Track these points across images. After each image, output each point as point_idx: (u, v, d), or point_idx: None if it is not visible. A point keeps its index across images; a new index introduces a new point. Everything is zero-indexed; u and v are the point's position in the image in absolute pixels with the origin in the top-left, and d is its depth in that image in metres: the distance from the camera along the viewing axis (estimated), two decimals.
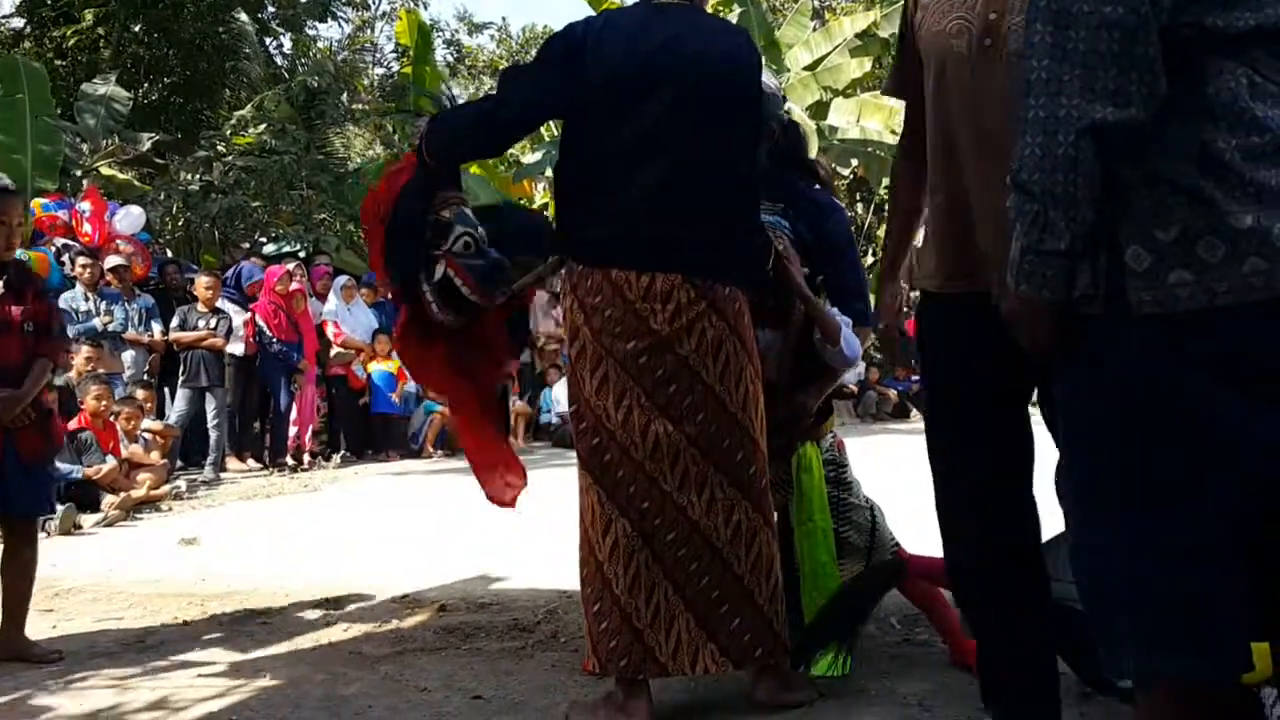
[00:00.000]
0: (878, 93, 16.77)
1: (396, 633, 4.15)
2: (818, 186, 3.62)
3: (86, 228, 11.35)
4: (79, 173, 14.74)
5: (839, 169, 17.73)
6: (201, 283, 10.63)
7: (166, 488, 8.40)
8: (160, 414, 9.95)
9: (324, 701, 3.30)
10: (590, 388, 2.95)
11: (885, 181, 2.82)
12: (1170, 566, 1.62)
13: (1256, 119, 1.57)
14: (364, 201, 3.42)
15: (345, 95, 18.00)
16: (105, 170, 15.13)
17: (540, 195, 18.43)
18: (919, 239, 2.76)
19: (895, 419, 16.50)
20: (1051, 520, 2.55)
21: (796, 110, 16.11)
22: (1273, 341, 1.57)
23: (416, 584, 4.95)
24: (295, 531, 6.78)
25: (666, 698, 3.13)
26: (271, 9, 21.54)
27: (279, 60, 22.38)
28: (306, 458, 10.68)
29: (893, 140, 14.80)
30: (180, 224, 15.90)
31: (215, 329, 10.24)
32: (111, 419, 8.34)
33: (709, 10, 3.19)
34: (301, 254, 13.27)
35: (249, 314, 10.66)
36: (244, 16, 18.86)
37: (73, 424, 8.03)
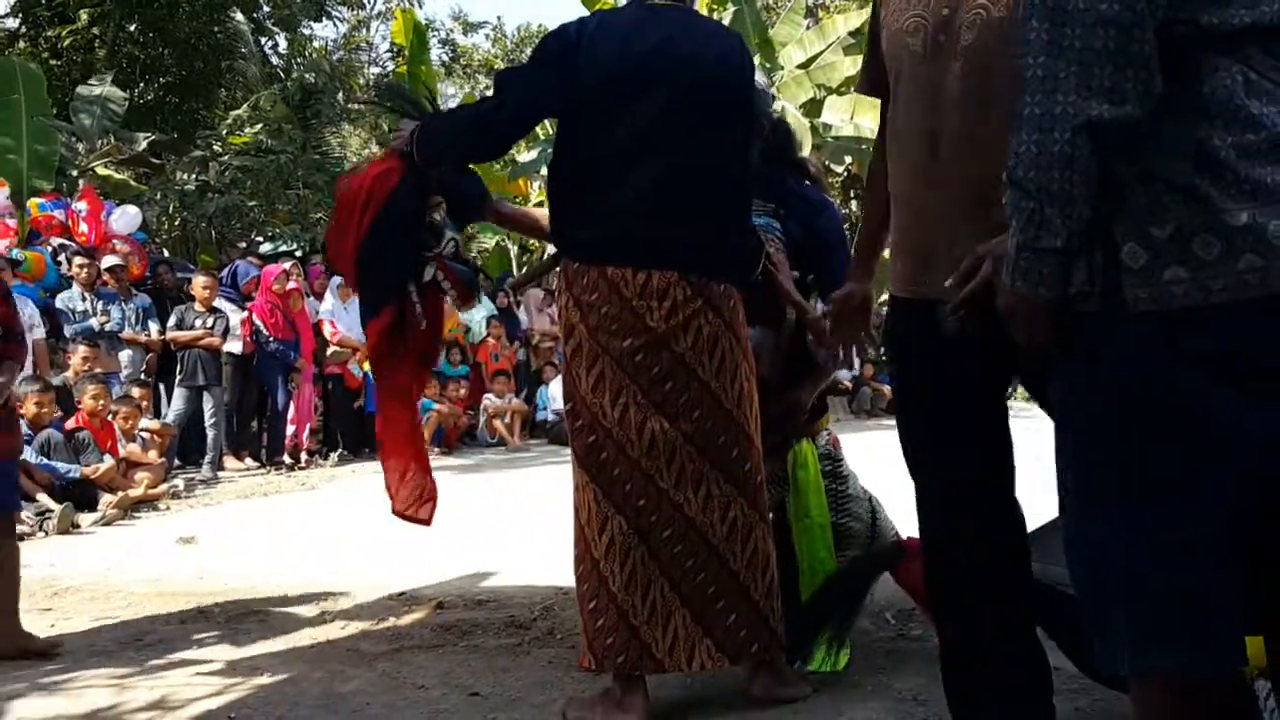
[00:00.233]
0: None
1: (394, 630, 4.16)
2: (808, 183, 3.63)
3: (83, 228, 11.35)
4: (75, 173, 14.74)
5: (833, 166, 17.74)
6: (199, 282, 10.63)
7: (164, 487, 8.41)
8: (157, 413, 9.95)
9: (322, 699, 3.31)
10: (586, 385, 2.96)
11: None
12: (1166, 561, 1.63)
13: (1252, 116, 1.58)
14: (342, 195, 3.35)
15: (341, 94, 17.96)
16: (101, 170, 15.13)
17: (535, 194, 18.42)
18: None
19: (890, 415, 16.44)
20: (1045, 513, 2.57)
21: (790, 108, 16.12)
22: (1268, 338, 1.58)
23: (413, 581, 4.96)
24: (293, 530, 6.78)
25: (663, 694, 3.14)
26: (267, 8, 21.54)
27: (274, 60, 22.37)
28: (304, 456, 10.68)
29: None
30: (177, 224, 15.91)
31: (212, 328, 10.24)
32: (109, 418, 8.34)
33: (702, 11, 3.20)
34: (298, 253, 13.26)
35: (246, 313, 10.66)
36: (239, 16, 18.85)
37: (70, 423, 8.05)
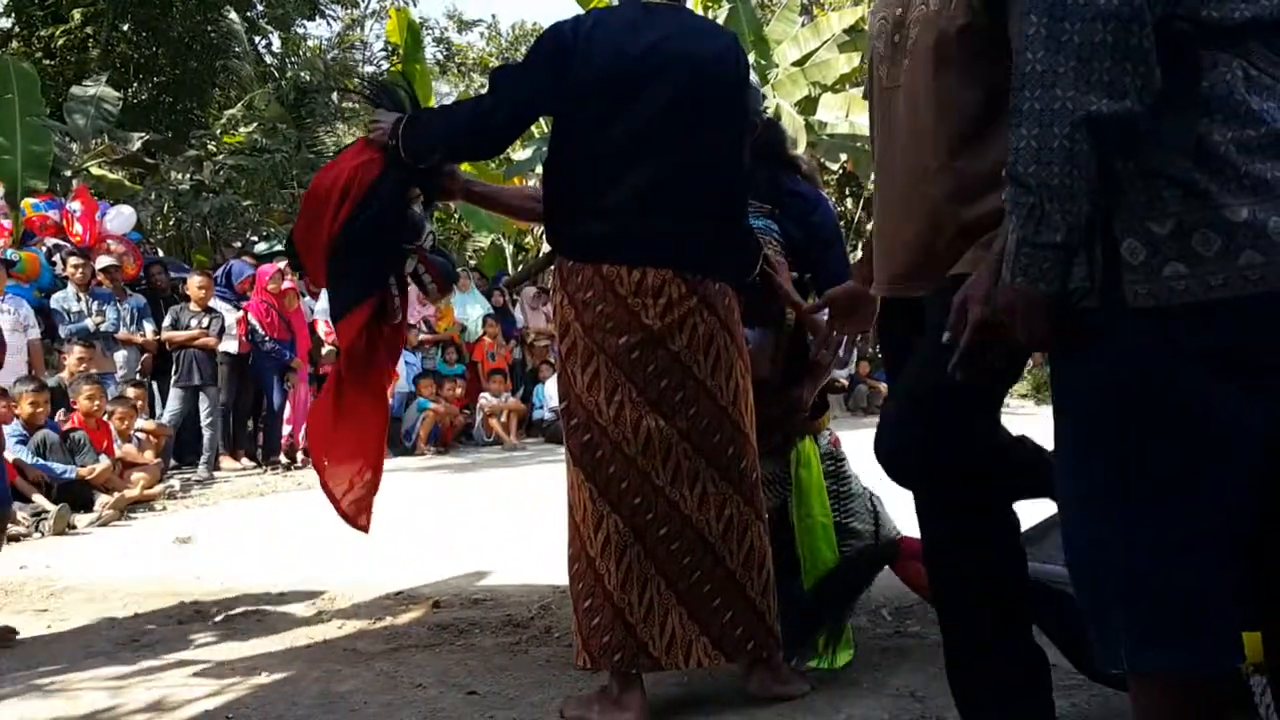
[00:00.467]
0: None
1: (391, 629, 4.15)
2: (800, 178, 3.64)
3: (77, 228, 11.35)
4: (69, 173, 14.72)
5: (828, 164, 17.74)
6: (194, 282, 10.63)
7: (160, 487, 8.40)
8: (152, 413, 9.94)
9: (319, 698, 3.31)
10: (581, 383, 2.96)
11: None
12: (1165, 559, 1.63)
13: (1252, 112, 1.58)
14: (315, 187, 3.29)
15: (335, 94, 17.94)
16: (95, 170, 15.11)
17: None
18: None
19: None
20: (1042, 507, 2.57)
21: (785, 106, 16.12)
22: (1268, 335, 1.58)
23: (410, 581, 4.96)
24: (289, 530, 6.78)
25: (660, 691, 3.14)
26: (260, 7, 21.52)
27: (268, 59, 22.34)
28: (300, 456, 10.67)
29: None
30: (171, 224, 15.89)
31: (208, 328, 10.23)
32: (105, 419, 8.33)
33: (696, 8, 3.20)
34: None
35: (241, 312, 10.65)
36: (233, 15, 18.82)
37: (65, 424, 8.04)
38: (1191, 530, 1.62)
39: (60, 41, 18.19)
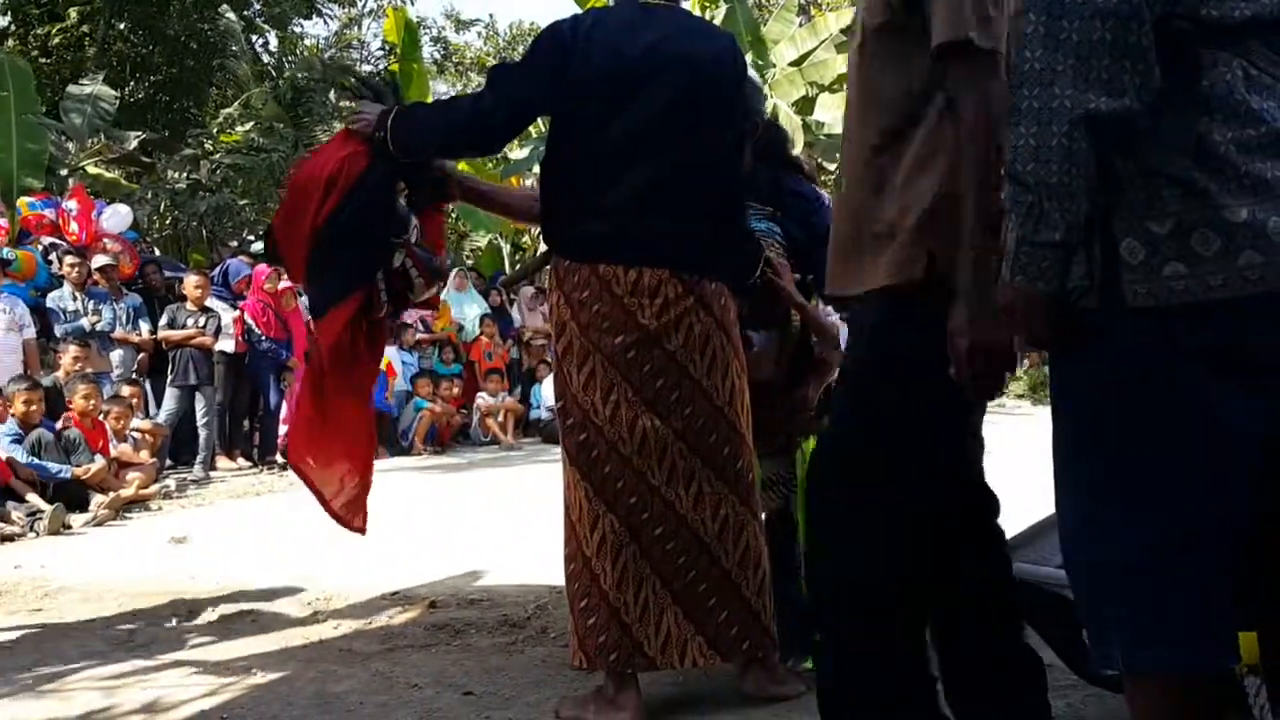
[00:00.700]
0: None
1: (387, 630, 4.15)
2: (801, 178, 3.64)
3: (73, 227, 11.33)
4: (65, 172, 14.71)
5: (825, 164, 17.74)
6: (190, 281, 10.61)
7: (156, 487, 8.38)
8: (146, 412, 9.93)
9: (315, 699, 3.30)
10: (578, 383, 2.96)
11: None
12: (1163, 558, 1.63)
13: (1252, 111, 1.57)
14: (297, 179, 3.29)
15: (332, 92, 17.93)
16: (92, 169, 15.10)
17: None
18: None
19: None
20: (1037, 507, 2.57)
21: (783, 106, 16.12)
22: (1267, 335, 1.58)
23: (406, 581, 4.95)
24: (285, 529, 6.77)
25: (655, 691, 3.14)
26: (257, 6, 21.51)
27: (265, 58, 22.34)
28: None
29: None
30: (168, 223, 15.88)
31: (204, 327, 10.21)
32: (100, 418, 8.32)
33: (694, 8, 3.20)
34: None
35: (238, 312, 10.64)
36: (230, 14, 18.81)
37: (60, 423, 8.03)
38: (1190, 530, 1.62)
39: (56, 40, 18.19)
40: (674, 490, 2.92)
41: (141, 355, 10.38)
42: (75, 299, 9.85)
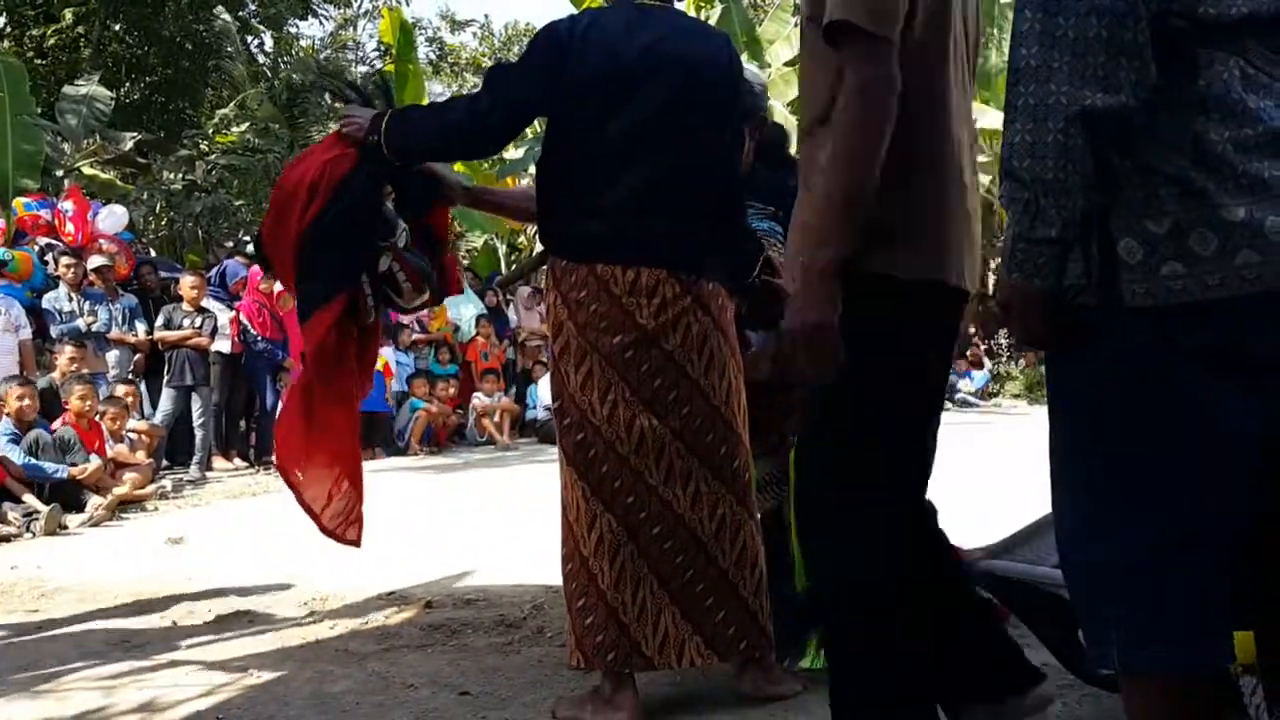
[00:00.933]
0: None
1: (383, 630, 4.15)
2: None
3: (69, 227, 11.31)
4: (61, 172, 14.70)
5: None
6: (187, 282, 10.59)
7: (152, 487, 8.37)
8: (142, 413, 9.92)
9: (311, 699, 3.30)
10: (575, 383, 2.96)
11: None
12: (1160, 558, 1.63)
13: (1249, 110, 1.57)
14: (283, 182, 3.26)
15: (327, 93, 17.93)
16: (87, 170, 15.11)
17: None
18: None
19: None
20: (1033, 507, 2.57)
21: (779, 106, 16.12)
22: (1265, 334, 1.58)
23: (403, 581, 4.95)
24: (281, 530, 6.75)
25: (653, 691, 3.14)
26: (253, 6, 21.51)
27: (261, 59, 22.33)
28: None
29: None
30: (164, 223, 15.89)
31: (200, 328, 10.21)
32: (96, 419, 8.31)
33: (689, 9, 3.20)
34: None
35: (234, 312, 10.64)
36: (225, 15, 18.81)
37: (56, 424, 8.03)
38: (1187, 529, 1.62)
39: (52, 41, 18.18)
40: (671, 490, 2.92)
41: (137, 356, 10.37)
42: (71, 300, 9.85)
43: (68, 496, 7.45)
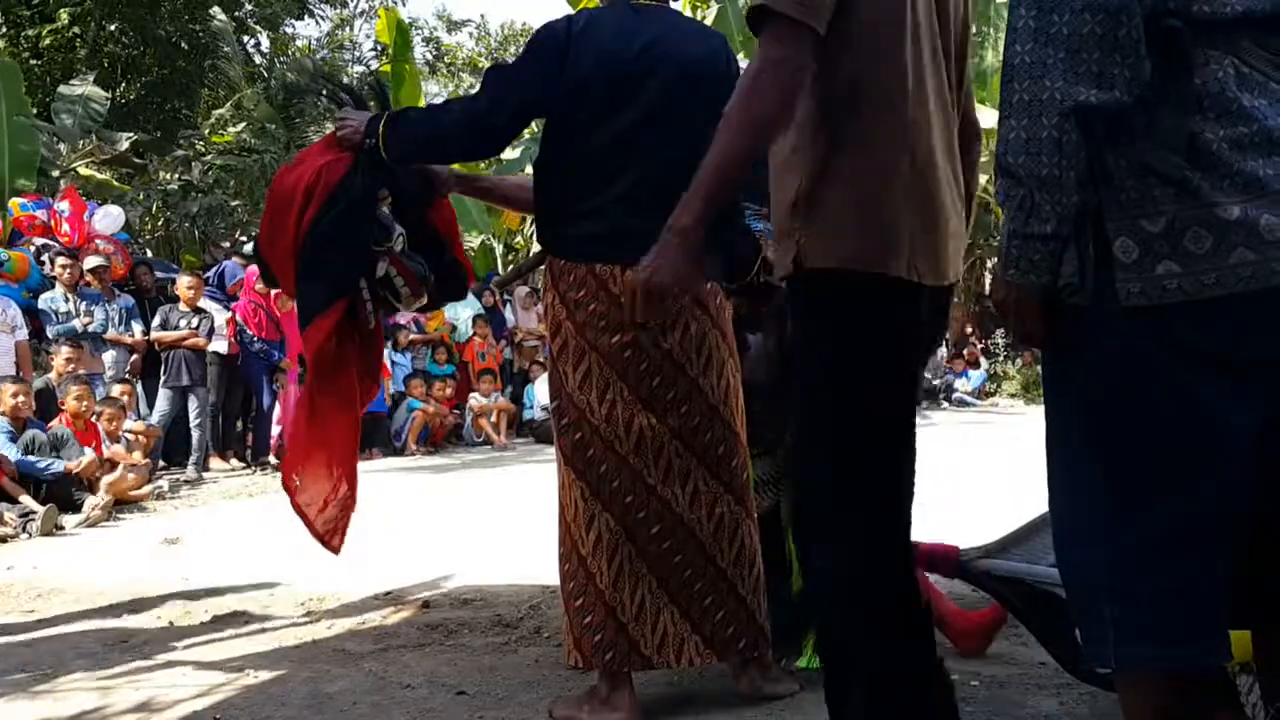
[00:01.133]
0: None
1: (380, 630, 4.15)
2: None
3: (65, 228, 11.31)
4: (57, 173, 14.69)
5: None
6: (183, 282, 10.60)
7: (149, 488, 8.37)
8: (139, 413, 9.91)
9: (308, 699, 3.30)
10: (573, 382, 2.96)
11: None
12: (1155, 555, 1.63)
13: (1244, 109, 1.58)
14: (277, 188, 3.24)
15: (322, 94, 17.92)
16: (83, 170, 15.09)
17: None
18: None
19: None
20: (1030, 506, 2.57)
21: None
22: (1260, 333, 1.58)
23: (400, 581, 4.95)
24: (278, 530, 6.74)
25: (650, 691, 3.14)
26: (249, 6, 21.48)
27: (257, 59, 22.32)
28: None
29: None
30: (160, 224, 15.87)
31: (197, 328, 10.21)
32: (93, 419, 8.31)
33: (685, 9, 3.20)
34: None
35: (231, 313, 10.64)
36: (221, 15, 18.79)
37: (53, 424, 8.02)
38: (1181, 527, 1.62)
39: (47, 41, 18.15)
40: (670, 489, 2.92)
41: (134, 357, 10.37)
42: (67, 300, 9.84)
43: (64, 497, 7.45)
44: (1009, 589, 2.89)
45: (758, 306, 3.29)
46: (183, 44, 19.51)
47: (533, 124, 3.14)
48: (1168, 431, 1.62)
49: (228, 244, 15.18)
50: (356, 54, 29.51)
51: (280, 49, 23.82)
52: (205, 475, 9.93)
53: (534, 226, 14.87)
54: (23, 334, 9.18)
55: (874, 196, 2.12)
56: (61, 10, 18.01)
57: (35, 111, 14.69)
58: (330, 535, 3.36)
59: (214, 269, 12.13)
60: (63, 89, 16.31)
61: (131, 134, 17.19)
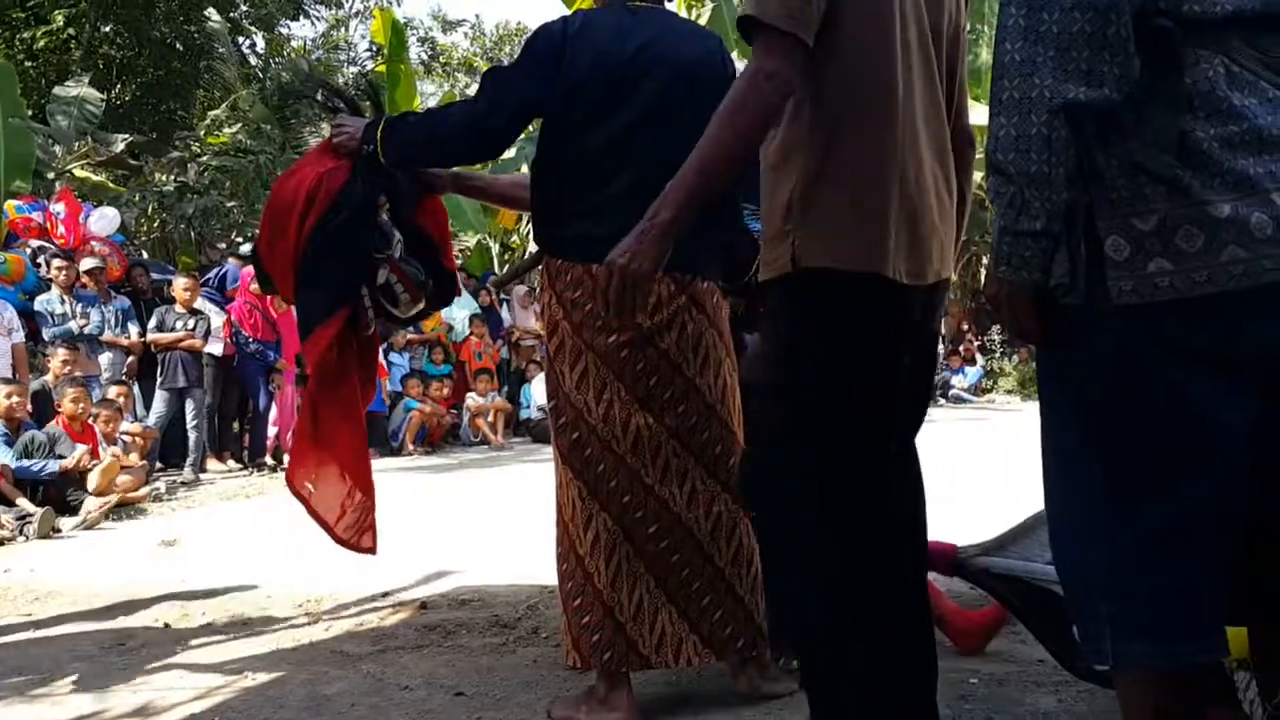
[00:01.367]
0: None
1: (378, 631, 4.15)
2: None
3: (61, 230, 11.30)
4: (52, 175, 14.67)
5: None
6: (179, 284, 10.58)
7: (146, 489, 8.36)
8: (135, 415, 9.90)
9: (306, 701, 3.30)
10: (570, 382, 2.95)
11: None
12: (1151, 553, 1.64)
13: (1234, 108, 1.58)
14: (276, 196, 3.23)
15: (319, 94, 17.90)
16: (79, 172, 15.07)
17: None
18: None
19: None
20: (1027, 504, 2.58)
21: None
22: (1251, 330, 1.59)
23: (397, 582, 4.95)
24: (275, 531, 6.76)
25: (648, 690, 3.14)
26: (244, 7, 21.47)
27: (252, 60, 22.30)
28: (286, 457, 10.64)
29: None
30: (155, 225, 15.85)
31: (193, 330, 10.20)
32: (89, 421, 8.30)
33: (680, 9, 3.20)
34: None
35: (227, 314, 10.63)
36: (216, 16, 18.77)
37: (49, 425, 8.02)
38: (1176, 524, 1.63)
39: (42, 43, 18.12)
40: (667, 489, 2.92)
41: (130, 358, 10.35)
42: (63, 302, 9.82)
43: (61, 500, 7.44)
44: (1006, 586, 2.90)
45: (755, 306, 3.29)
46: (178, 45, 19.49)
47: (531, 124, 3.12)
48: (1163, 430, 1.63)
49: (224, 245, 15.16)
50: (351, 54, 29.54)
51: (275, 50, 23.82)
52: (202, 477, 9.92)
53: (530, 226, 14.89)
54: (19, 336, 9.17)
55: (867, 198, 2.15)
56: (56, 12, 17.98)
57: (30, 113, 14.65)
58: (357, 539, 3.37)
59: (215, 272, 12.12)
60: (58, 91, 16.28)
61: (127, 135, 17.17)
